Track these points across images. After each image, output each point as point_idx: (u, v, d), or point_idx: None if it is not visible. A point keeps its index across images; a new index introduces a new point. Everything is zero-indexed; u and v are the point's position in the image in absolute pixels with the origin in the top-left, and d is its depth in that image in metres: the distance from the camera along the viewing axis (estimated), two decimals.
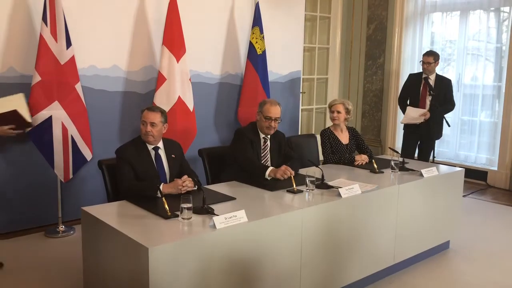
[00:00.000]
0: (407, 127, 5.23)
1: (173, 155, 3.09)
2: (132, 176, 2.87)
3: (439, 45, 6.45)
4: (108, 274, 2.38)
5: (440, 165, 4.11)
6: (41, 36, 3.74)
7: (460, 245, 3.90)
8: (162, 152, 3.06)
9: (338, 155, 3.92)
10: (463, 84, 6.20)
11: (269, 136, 3.56)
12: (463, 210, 4.00)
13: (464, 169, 3.90)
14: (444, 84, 5.07)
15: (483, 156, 6.13)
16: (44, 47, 3.74)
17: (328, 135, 4.02)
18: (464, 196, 4.84)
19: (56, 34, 3.77)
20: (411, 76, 5.36)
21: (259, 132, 3.53)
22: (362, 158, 3.84)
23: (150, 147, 3.01)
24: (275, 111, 3.45)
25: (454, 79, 6.17)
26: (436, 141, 5.19)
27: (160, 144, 3.07)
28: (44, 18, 3.74)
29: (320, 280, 2.81)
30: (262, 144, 3.53)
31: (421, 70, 5.16)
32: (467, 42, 6.13)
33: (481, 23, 6.05)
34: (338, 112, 4.01)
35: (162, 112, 3.03)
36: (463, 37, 6.14)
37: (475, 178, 5.95)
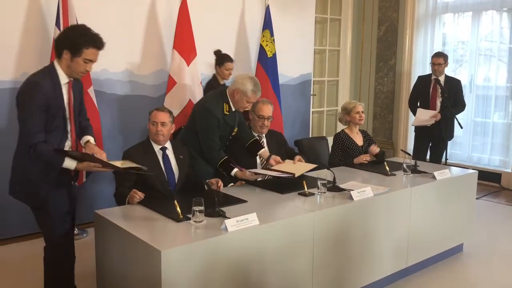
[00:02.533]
0: (418, 129, 5.19)
1: (181, 156, 3.11)
2: (128, 185, 2.84)
3: (450, 46, 6.40)
4: (121, 276, 2.39)
5: (453, 167, 4.07)
6: (54, 41, 3.78)
7: (474, 248, 3.86)
8: (170, 153, 3.08)
9: (354, 157, 3.91)
10: (475, 85, 6.14)
11: (264, 135, 3.62)
12: (476, 212, 3.96)
13: (477, 171, 3.86)
14: (454, 85, 5.04)
15: (497, 158, 6.06)
16: None
17: (343, 138, 3.99)
18: (477, 198, 4.79)
19: None
20: (420, 78, 5.33)
21: (253, 132, 3.60)
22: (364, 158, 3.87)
23: (157, 147, 3.03)
24: (267, 109, 3.54)
25: (467, 80, 6.12)
26: (449, 143, 5.14)
27: (168, 145, 3.09)
28: (57, 23, 3.79)
29: (331, 284, 2.80)
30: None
31: (429, 72, 5.14)
32: (479, 42, 6.07)
33: (493, 24, 6.00)
34: (362, 112, 4.02)
35: (170, 112, 3.09)
36: (475, 38, 6.09)
37: (488, 180, 5.88)
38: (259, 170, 3.31)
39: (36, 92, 2.33)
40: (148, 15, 4.51)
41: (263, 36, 5.17)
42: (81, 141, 2.66)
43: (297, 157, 3.52)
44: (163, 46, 4.62)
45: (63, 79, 2.45)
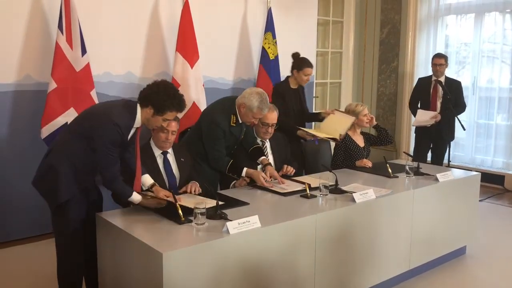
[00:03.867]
0: (418, 130, 5.21)
1: (182, 159, 3.10)
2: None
3: (453, 48, 6.39)
4: (123, 279, 2.39)
5: (456, 169, 4.06)
6: (57, 43, 3.80)
7: (477, 251, 3.84)
8: (171, 157, 3.06)
9: (355, 158, 3.90)
10: (478, 87, 6.13)
11: (267, 140, 3.60)
12: (479, 215, 3.94)
13: (480, 173, 3.84)
14: (454, 87, 5.06)
15: (500, 160, 6.04)
16: (59, 54, 3.79)
17: (345, 140, 3.98)
18: (480, 200, 4.77)
19: (72, 42, 3.83)
20: (421, 79, 5.35)
21: (256, 136, 3.55)
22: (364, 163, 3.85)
23: (157, 152, 3.01)
24: (272, 117, 3.45)
25: (469, 82, 6.11)
26: (452, 145, 5.15)
27: (169, 149, 3.08)
28: (59, 26, 3.80)
29: (334, 286, 2.79)
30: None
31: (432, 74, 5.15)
32: (482, 44, 6.06)
33: (496, 25, 5.98)
34: (369, 114, 4.02)
35: (178, 120, 3.07)
36: (478, 40, 6.07)
37: (491, 182, 5.86)
38: (275, 184, 3.21)
39: (117, 134, 2.46)
40: (150, 18, 4.52)
41: (265, 39, 5.18)
42: (142, 180, 2.70)
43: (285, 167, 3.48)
44: (165, 48, 4.63)
45: (137, 124, 2.58)
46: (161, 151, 3.03)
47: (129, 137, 2.58)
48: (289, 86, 4.21)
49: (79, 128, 2.55)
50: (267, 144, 3.59)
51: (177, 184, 3.02)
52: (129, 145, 2.63)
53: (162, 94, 2.53)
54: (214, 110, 3.36)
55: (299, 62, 4.18)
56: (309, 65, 4.16)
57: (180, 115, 3.06)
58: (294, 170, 3.39)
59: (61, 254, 2.64)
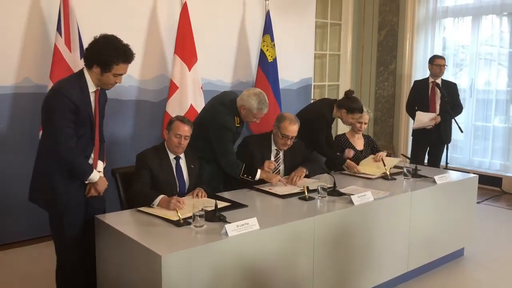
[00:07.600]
0: (416, 132, 5.21)
1: (192, 165, 3.10)
2: (146, 182, 2.85)
3: (451, 50, 6.41)
4: (122, 281, 2.39)
5: (453, 171, 4.07)
6: (55, 46, 3.80)
7: (475, 253, 3.85)
8: (183, 162, 3.05)
9: (353, 161, 3.87)
10: (476, 89, 6.15)
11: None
12: (477, 217, 3.95)
13: (477, 175, 3.85)
14: (451, 88, 5.09)
15: (497, 162, 6.05)
16: (58, 57, 3.80)
17: (342, 141, 3.99)
18: (478, 202, 4.78)
19: (70, 44, 3.84)
20: (417, 82, 5.36)
21: (272, 143, 3.49)
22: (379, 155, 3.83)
23: (171, 156, 3.00)
24: (293, 129, 3.37)
25: (467, 84, 6.14)
26: (450, 147, 5.16)
27: (181, 154, 3.07)
28: (58, 29, 3.81)
29: None
30: (273, 156, 3.49)
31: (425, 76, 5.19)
32: (479, 47, 6.08)
33: (493, 28, 6.01)
34: (365, 123, 3.96)
35: (192, 124, 3.04)
36: (475, 42, 6.10)
37: (489, 184, 5.87)
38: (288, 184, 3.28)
39: (64, 97, 2.34)
40: (149, 21, 4.53)
41: (264, 41, 5.19)
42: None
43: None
44: (164, 51, 4.64)
45: (91, 87, 2.48)
46: (174, 156, 3.01)
47: (92, 101, 2.48)
48: (331, 116, 3.91)
49: (44, 119, 2.45)
50: (281, 154, 3.51)
51: (186, 190, 3.01)
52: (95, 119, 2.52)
53: (104, 48, 2.39)
54: (220, 114, 3.33)
55: (352, 105, 3.75)
56: (361, 110, 3.80)
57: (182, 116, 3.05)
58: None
59: (61, 255, 2.61)
